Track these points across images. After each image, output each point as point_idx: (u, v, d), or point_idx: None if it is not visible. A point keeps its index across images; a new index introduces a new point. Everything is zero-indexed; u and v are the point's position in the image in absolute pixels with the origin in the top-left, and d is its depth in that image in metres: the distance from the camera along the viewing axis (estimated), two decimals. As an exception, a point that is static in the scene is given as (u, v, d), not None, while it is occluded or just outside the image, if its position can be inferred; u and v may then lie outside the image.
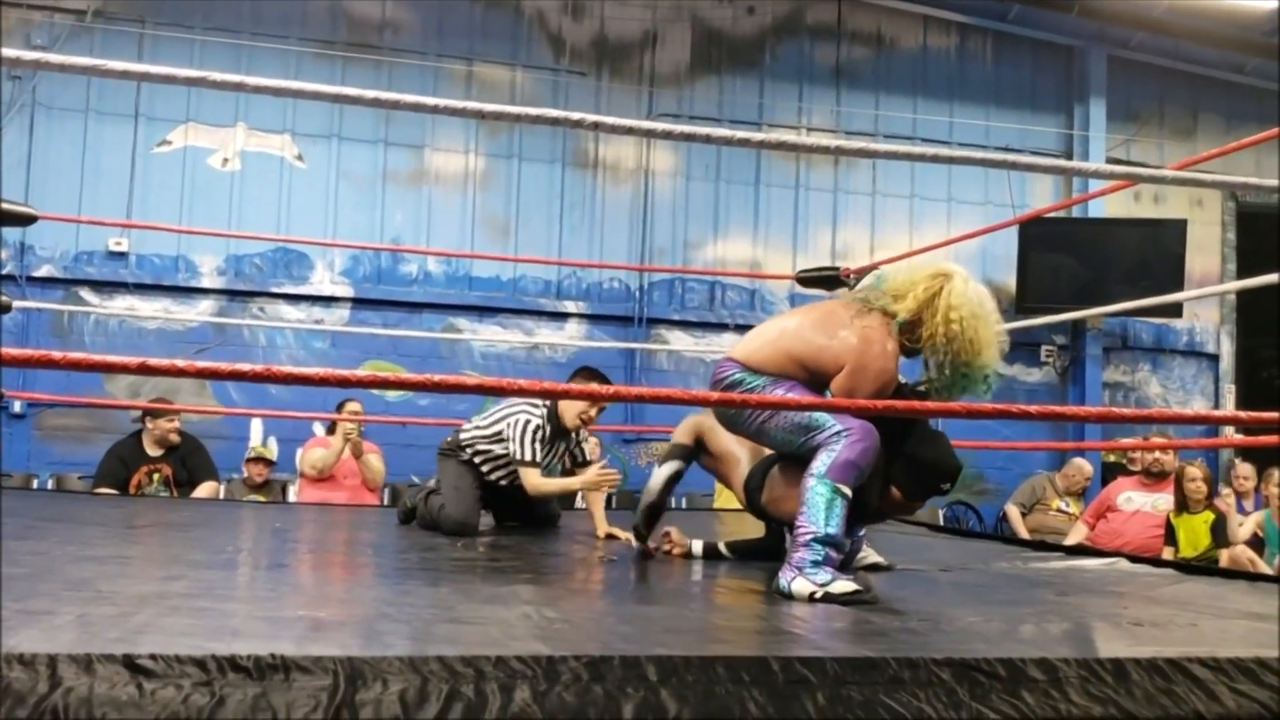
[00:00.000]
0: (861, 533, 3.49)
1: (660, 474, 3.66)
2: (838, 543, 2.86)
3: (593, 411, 4.48)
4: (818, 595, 2.76)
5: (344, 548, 3.98)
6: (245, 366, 1.77)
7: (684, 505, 7.04)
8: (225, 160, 8.09)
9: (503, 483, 4.51)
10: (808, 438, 2.94)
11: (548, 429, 4.44)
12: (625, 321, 8.63)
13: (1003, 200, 9.07)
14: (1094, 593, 3.28)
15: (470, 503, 4.41)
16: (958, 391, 3.08)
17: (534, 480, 4.40)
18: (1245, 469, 7.74)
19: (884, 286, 3.13)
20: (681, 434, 3.73)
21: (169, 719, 1.41)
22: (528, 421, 4.39)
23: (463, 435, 4.58)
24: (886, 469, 3.06)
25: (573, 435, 4.59)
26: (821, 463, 2.88)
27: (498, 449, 4.49)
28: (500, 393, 1.84)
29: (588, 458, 4.75)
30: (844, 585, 2.78)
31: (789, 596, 2.79)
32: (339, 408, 6.80)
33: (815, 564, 2.81)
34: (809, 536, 2.83)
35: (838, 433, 2.89)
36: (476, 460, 4.52)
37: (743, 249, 8.91)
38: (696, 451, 3.69)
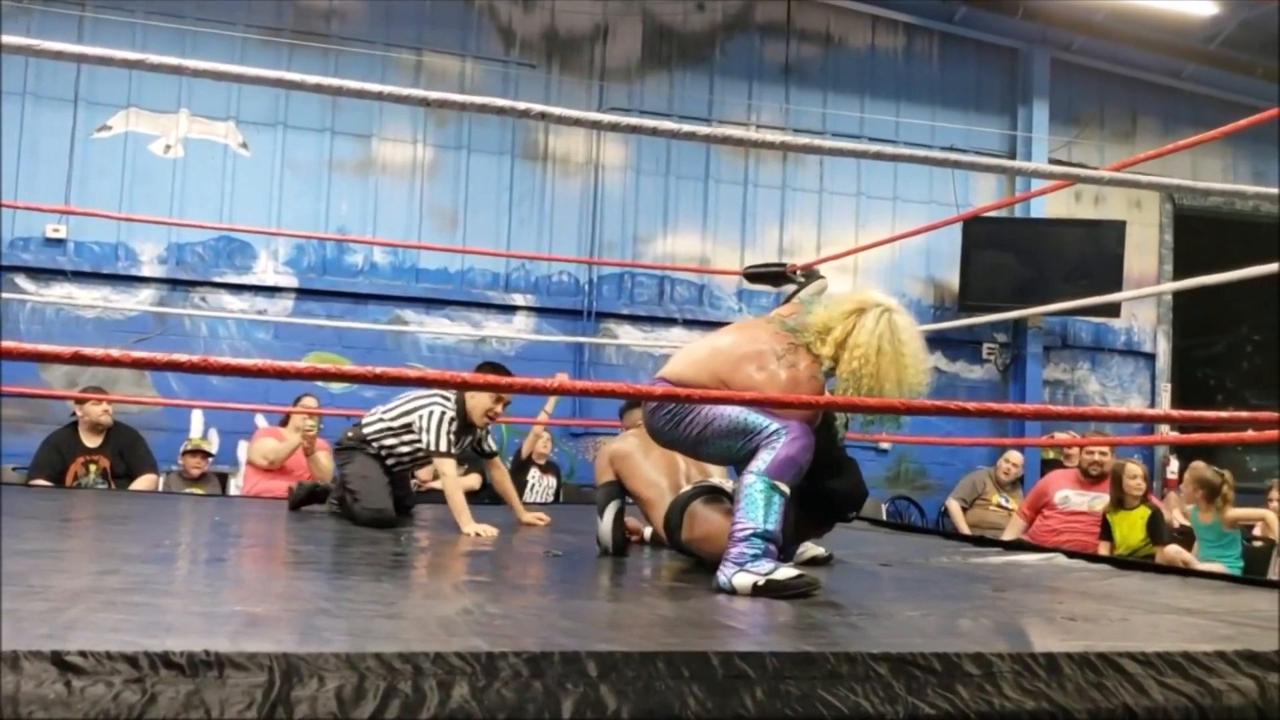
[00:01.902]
0: None
1: (605, 524, 3.68)
2: (776, 539, 2.87)
3: (499, 408, 4.50)
4: (760, 585, 2.77)
5: (284, 542, 3.94)
6: (181, 357, 1.73)
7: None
8: (168, 147, 7.96)
9: (408, 473, 4.63)
10: (746, 440, 2.94)
11: (458, 421, 4.46)
12: (574, 315, 8.61)
13: (947, 199, 9.18)
14: (1030, 588, 3.34)
15: (383, 493, 4.42)
16: (865, 421, 3.16)
17: (450, 472, 4.40)
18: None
19: (809, 319, 3.15)
20: (603, 472, 3.74)
21: (98, 717, 1.39)
22: (443, 413, 4.41)
23: (366, 430, 4.57)
24: (800, 497, 3.08)
25: (477, 430, 4.64)
26: (761, 460, 2.89)
27: (402, 445, 4.50)
28: (444, 385, 1.83)
29: (492, 448, 4.80)
30: (787, 572, 2.80)
31: (731, 592, 2.80)
32: (296, 402, 6.72)
33: (755, 557, 2.82)
34: (748, 532, 2.84)
35: (776, 431, 2.90)
36: (383, 454, 4.52)
37: (692, 244, 8.93)
38: (621, 490, 3.72)
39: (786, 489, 2.88)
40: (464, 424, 4.50)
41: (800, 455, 2.90)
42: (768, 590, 2.75)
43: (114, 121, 7.84)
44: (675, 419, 3.07)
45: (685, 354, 3.24)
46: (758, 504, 2.85)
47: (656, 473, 3.59)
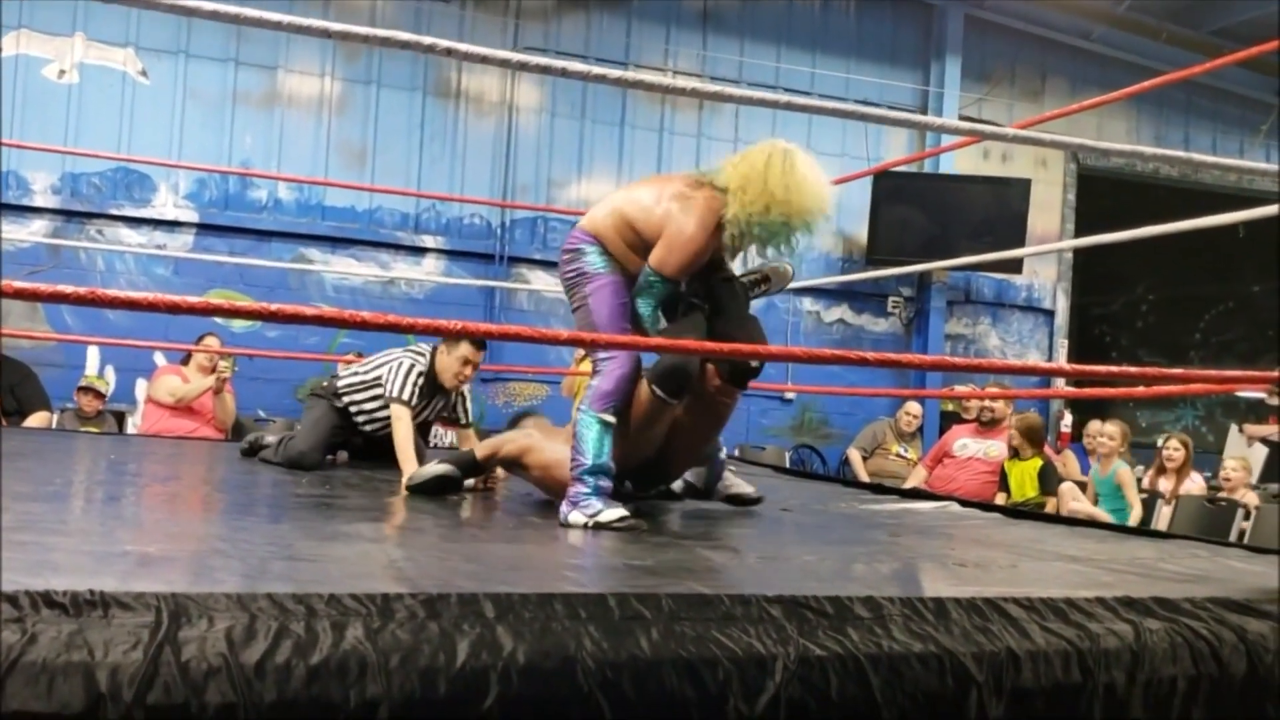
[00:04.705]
0: (723, 456, 3.69)
1: (433, 468, 3.61)
2: (608, 470, 3.05)
3: (468, 371, 4.40)
4: (590, 525, 2.92)
5: (183, 482, 3.86)
6: (68, 288, 1.67)
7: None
8: (62, 72, 7.63)
9: (380, 433, 4.44)
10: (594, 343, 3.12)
11: (427, 378, 4.38)
12: (486, 259, 8.52)
13: (859, 153, 9.24)
14: (924, 534, 3.42)
15: (317, 439, 4.35)
16: (759, 244, 3.17)
17: (403, 420, 4.24)
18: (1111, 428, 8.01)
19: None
20: (481, 448, 3.62)
21: (-25, 657, 1.35)
22: (412, 364, 4.34)
23: (340, 382, 4.52)
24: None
25: (451, 395, 4.51)
26: (586, 398, 3.12)
27: (370, 401, 4.44)
28: (342, 324, 1.79)
29: (467, 419, 4.66)
30: (612, 513, 2.94)
31: (568, 527, 2.95)
32: (198, 341, 6.55)
33: (588, 495, 2.99)
34: (580, 469, 3.03)
35: (604, 359, 3.12)
36: (351, 409, 4.46)
37: (606, 190, 8.84)
38: (483, 468, 3.63)
39: (612, 418, 3.08)
40: (433, 383, 4.38)
41: (616, 387, 3.09)
42: (596, 530, 2.91)
43: (4, 43, 7.48)
44: (572, 280, 3.23)
45: (604, 201, 3.36)
46: (587, 440, 3.06)
47: (564, 443, 3.43)
